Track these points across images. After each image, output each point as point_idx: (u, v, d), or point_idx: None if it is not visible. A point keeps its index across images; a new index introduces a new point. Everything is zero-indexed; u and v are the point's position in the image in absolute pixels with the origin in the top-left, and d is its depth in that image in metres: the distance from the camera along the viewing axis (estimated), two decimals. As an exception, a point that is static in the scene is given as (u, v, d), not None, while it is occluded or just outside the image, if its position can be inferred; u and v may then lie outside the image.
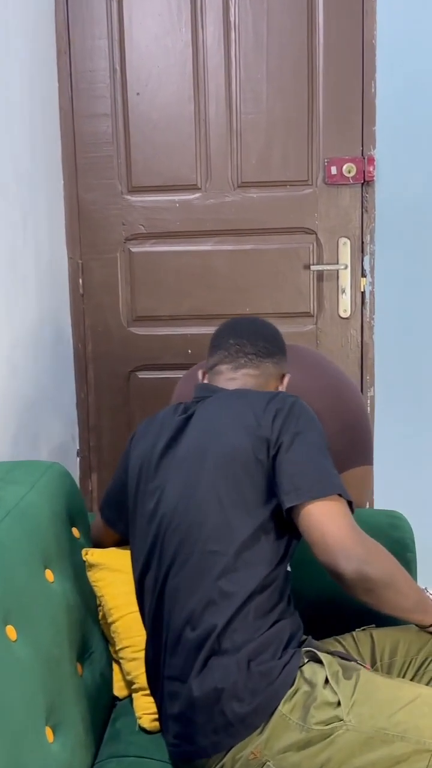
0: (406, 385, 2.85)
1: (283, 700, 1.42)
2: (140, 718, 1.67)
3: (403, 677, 1.65)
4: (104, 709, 1.74)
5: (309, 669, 1.47)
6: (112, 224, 2.86)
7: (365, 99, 2.73)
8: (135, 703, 1.70)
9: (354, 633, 1.72)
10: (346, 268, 2.79)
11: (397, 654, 1.67)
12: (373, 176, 2.73)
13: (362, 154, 2.74)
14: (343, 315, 2.83)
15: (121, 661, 1.75)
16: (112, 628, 1.75)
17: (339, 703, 1.41)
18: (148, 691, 1.66)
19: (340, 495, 1.50)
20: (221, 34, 2.74)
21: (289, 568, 1.59)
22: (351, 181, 2.75)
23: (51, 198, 2.71)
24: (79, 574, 1.77)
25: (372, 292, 2.81)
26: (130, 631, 1.72)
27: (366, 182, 2.75)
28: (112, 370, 2.93)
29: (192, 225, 2.84)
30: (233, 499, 1.53)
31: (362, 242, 2.79)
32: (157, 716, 1.63)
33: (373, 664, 1.66)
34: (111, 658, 1.80)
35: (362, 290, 2.81)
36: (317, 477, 1.51)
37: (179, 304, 2.87)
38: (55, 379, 2.70)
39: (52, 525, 1.71)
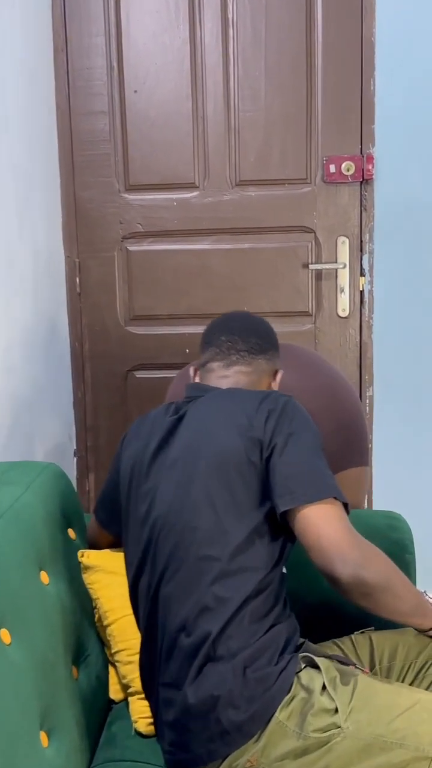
0: (405, 384, 2.83)
1: (279, 707, 1.40)
2: (136, 722, 1.65)
3: (403, 681, 1.63)
4: (100, 713, 1.72)
5: (306, 675, 1.45)
6: (110, 222, 2.84)
7: (364, 97, 2.71)
8: (131, 707, 1.68)
9: (352, 636, 1.70)
10: (344, 267, 2.78)
11: (397, 657, 1.65)
12: (372, 174, 2.72)
13: (361, 152, 2.72)
14: (341, 314, 2.81)
15: (116, 664, 1.73)
16: (108, 631, 1.73)
17: (336, 710, 1.39)
18: (143, 695, 1.64)
19: (335, 497, 1.48)
20: (219, 31, 2.72)
21: (284, 570, 1.57)
22: (350, 180, 2.73)
23: (48, 196, 2.70)
24: (74, 576, 1.75)
25: (371, 292, 2.79)
26: (125, 634, 1.70)
27: (365, 180, 2.73)
28: (109, 370, 2.92)
29: (190, 223, 2.82)
30: (226, 503, 1.51)
31: (361, 241, 2.77)
32: (153, 720, 1.61)
33: (372, 667, 1.64)
34: (107, 660, 1.78)
35: (361, 289, 2.80)
36: (312, 480, 1.48)
37: (177, 303, 2.85)
38: (51, 378, 2.69)
39: (48, 526, 1.69)
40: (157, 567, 1.55)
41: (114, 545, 1.81)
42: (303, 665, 1.47)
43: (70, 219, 2.83)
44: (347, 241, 2.77)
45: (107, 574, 1.74)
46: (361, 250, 2.78)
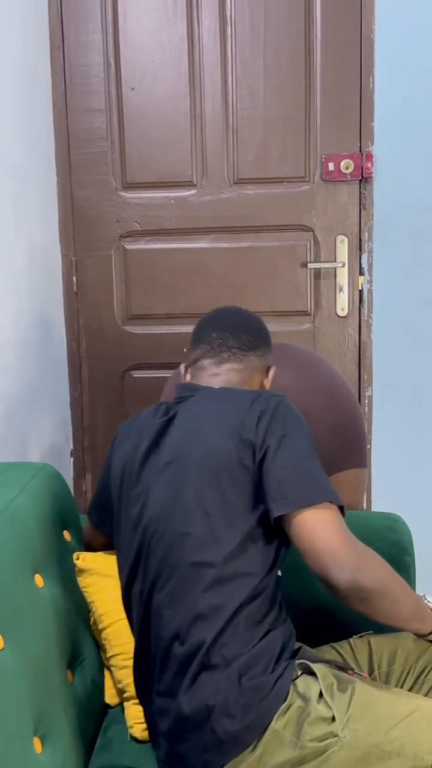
0: (404, 384, 2.81)
1: (276, 716, 1.38)
2: (132, 727, 1.63)
3: (402, 686, 1.61)
4: (95, 717, 1.70)
5: (302, 682, 1.42)
6: (107, 221, 2.82)
7: (363, 94, 2.69)
8: (126, 712, 1.66)
9: (351, 640, 1.68)
10: (343, 266, 2.76)
11: (396, 662, 1.63)
12: (372, 173, 2.70)
13: (360, 151, 2.70)
14: (340, 313, 2.79)
15: (112, 668, 1.71)
16: (103, 635, 1.71)
17: (333, 719, 1.37)
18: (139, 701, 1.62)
19: (331, 501, 1.45)
20: (217, 29, 2.71)
21: (279, 573, 1.54)
22: (349, 178, 2.71)
23: (44, 194, 2.68)
24: (70, 579, 1.73)
25: (370, 291, 2.78)
26: (120, 638, 1.68)
27: (364, 179, 2.71)
28: (106, 369, 2.90)
29: (188, 222, 2.80)
30: (218, 508, 1.48)
31: (360, 240, 2.76)
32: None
33: (371, 672, 1.62)
34: (102, 664, 1.76)
35: (360, 288, 2.78)
36: (306, 484, 1.45)
37: (174, 302, 2.83)
38: (48, 378, 2.67)
39: (43, 528, 1.67)
40: (150, 573, 1.53)
41: (108, 547, 1.79)
42: (299, 672, 1.44)
43: (67, 217, 2.81)
44: (346, 239, 2.75)
45: (102, 578, 1.72)
46: (360, 249, 2.76)
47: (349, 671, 1.49)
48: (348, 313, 2.79)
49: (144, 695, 1.57)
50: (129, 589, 1.59)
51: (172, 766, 1.46)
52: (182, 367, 1.77)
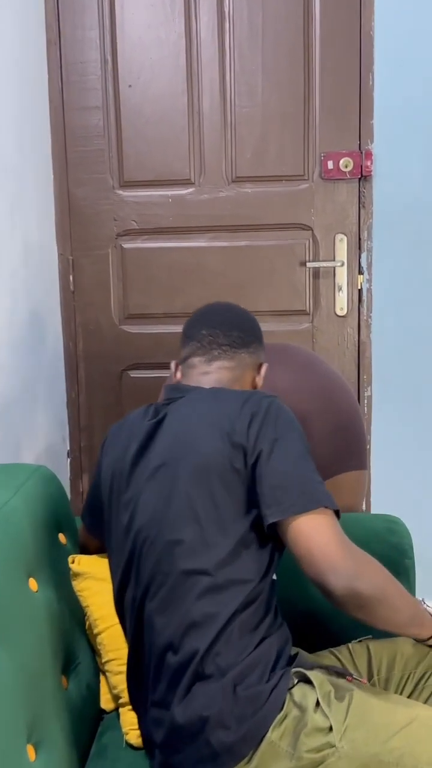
0: (404, 384, 2.79)
1: (272, 727, 1.35)
2: (127, 733, 1.61)
3: (401, 692, 1.59)
4: (90, 723, 1.68)
5: (299, 691, 1.39)
6: (104, 220, 2.80)
7: (363, 92, 2.67)
8: (122, 718, 1.64)
9: (350, 645, 1.65)
10: (342, 265, 2.73)
11: (395, 668, 1.60)
12: (371, 171, 2.68)
13: (360, 149, 2.68)
14: (339, 313, 2.77)
15: (107, 673, 1.69)
16: (98, 639, 1.69)
17: (331, 729, 1.34)
18: (134, 707, 1.60)
19: (326, 506, 1.42)
20: (215, 25, 2.68)
21: (275, 577, 1.51)
22: (348, 176, 2.69)
23: (40, 193, 2.65)
24: (65, 582, 1.71)
25: (369, 290, 2.75)
26: (116, 643, 1.65)
27: (363, 177, 2.69)
28: (103, 369, 2.88)
29: (185, 221, 2.78)
30: (210, 514, 1.44)
31: (359, 239, 2.73)
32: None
33: (370, 677, 1.60)
34: (98, 669, 1.74)
35: (359, 288, 2.76)
36: (300, 489, 1.42)
37: (172, 301, 2.81)
38: (45, 378, 2.65)
39: (37, 531, 1.65)
40: (142, 581, 1.50)
41: (104, 550, 1.75)
42: (296, 680, 1.41)
43: (64, 216, 2.79)
44: (345, 238, 2.73)
45: (97, 581, 1.69)
46: (359, 248, 2.74)
47: (348, 677, 1.46)
48: (347, 313, 2.77)
49: (138, 705, 1.54)
50: (121, 595, 1.57)
51: None
52: (173, 364, 1.74)
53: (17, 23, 2.42)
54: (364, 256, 2.74)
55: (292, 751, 1.34)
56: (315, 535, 1.38)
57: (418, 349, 2.79)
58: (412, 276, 2.75)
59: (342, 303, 2.76)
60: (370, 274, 2.74)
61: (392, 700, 1.45)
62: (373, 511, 2.70)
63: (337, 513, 1.44)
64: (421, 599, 1.56)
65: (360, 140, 2.68)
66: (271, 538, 1.45)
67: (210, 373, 1.64)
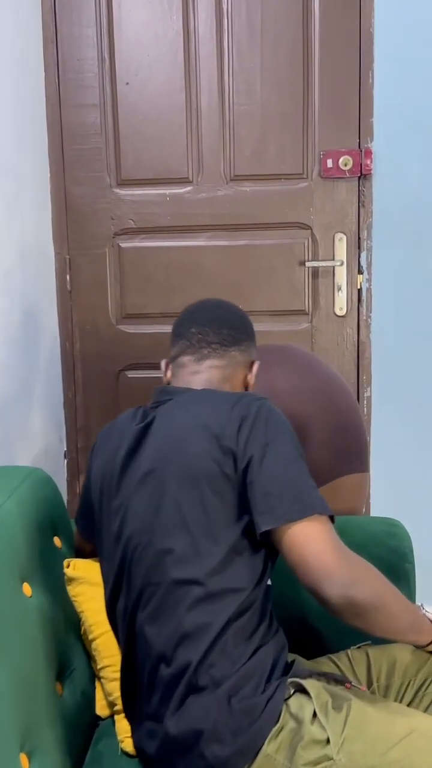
0: (404, 385, 2.77)
1: (267, 739, 1.32)
2: (122, 741, 1.58)
3: (401, 699, 1.56)
4: (85, 730, 1.65)
5: (295, 702, 1.36)
6: (101, 219, 2.77)
7: (362, 90, 2.65)
8: (117, 726, 1.61)
9: (349, 651, 1.63)
10: (342, 264, 2.71)
11: (395, 674, 1.58)
12: (371, 169, 2.65)
13: (359, 147, 2.66)
14: (339, 313, 2.75)
15: (102, 680, 1.66)
16: (93, 645, 1.66)
17: (328, 741, 1.31)
18: (130, 715, 1.57)
19: (320, 512, 1.39)
20: (213, 22, 2.66)
21: (269, 582, 1.48)
22: (347, 175, 2.67)
23: (37, 191, 2.63)
24: (60, 586, 1.68)
25: (369, 290, 2.73)
26: (111, 650, 1.62)
27: (363, 176, 2.67)
28: (100, 369, 2.85)
29: (183, 220, 2.75)
30: (200, 521, 1.41)
31: (359, 238, 2.71)
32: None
33: (369, 684, 1.57)
34: (93, 674, 1.71)
35: (359, 287, 2.73)
36: (293, 496, 1.38)
37: (170, 301, 2.78)
38: (41, 378, 2.62)
39: (31, 535, 1.62)
40: (133, 590, 1.47)
41: (96, 554, 1.74)
42: (292, 691, 1.38)
43: (60, 215, 2.76)
44: (345, 237, 2.71)
45: (92, 586, 1.66)
46: (359, 247, 2.71)
47: (347, 684, 1.44)
48: (346, 313, 2.74)
49: (132, 717, 1.52)
50: (113, 604, 1.54)
51: None
52: (163, 363, 1.70)
53: (14, 20, 2.40)
54: (363, 255, 2.71)
55: (289, 765, 1.31)
56: (309, 542, 1.36)
57: (419, 350, 2.76)
58: (412, 275, 2.73)
59: (341, 303, 2.74)
60: (369, 273, 2.72)
61: (391, 710, 1.42)
62: (373, 513, 2.68)
63: (331, 518, 1.41)
64: (420, 605, 1.54)
65: (359, 138, 2.66)
66: (264, 544, 1.43)
67: (200, 372, 1.61)
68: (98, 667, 1.66)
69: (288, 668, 1.43)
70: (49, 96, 2.71)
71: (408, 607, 1.45)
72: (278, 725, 1.33)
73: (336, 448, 2.04)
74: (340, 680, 1.44)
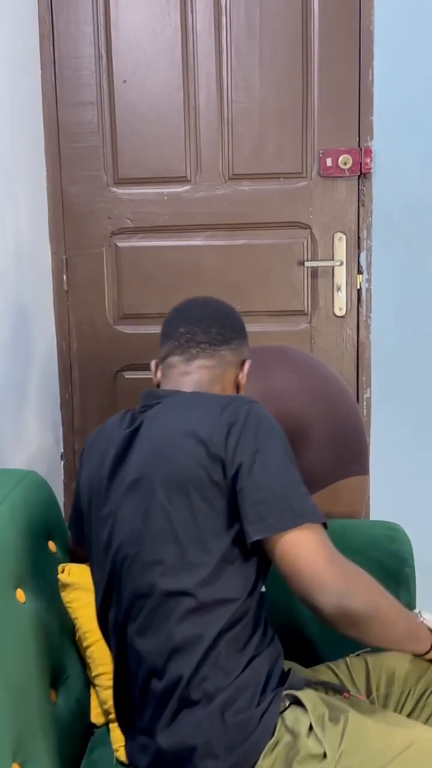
0: (404, 386, 2.74)
1: (263, 754, 1.29)
2: (117, 750, 1.55)
3: (401, 710, 1.53)
4: (80, 738, 1.63)
5: (291, 715, 1.33)
6: (98, 218, 2.74)
7: (362, 88, 2.62)
8: (112, 734, 1.59)
9: (348, 659, 1.60)
10: (341, 264, 2.68)
11: (395, 684, 1.54)
12: (371, 168, 2.63)
13: (359, 145, 2.63)
14: (338, 313, 2.72)
15: (97, 688, 1.64)
16: (87, 652, 1.64)
17: (325, 755, 1.27)
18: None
19: (312, 520, 1.35)
20: (212, 19, 2.63)
21: (263, 589, 1.44)
22: (347, 174, 2.64)
23: (33, 190, 2.61)
24: (55, 592, 1.66)
25: (369, 290, 2.71)
26: (106, 657, 1.60)
27: (363, 175, 2.64)
28: (98, 370, 2.82)
29: (181, 219, 2.73)
30: (189, 531, 1.37)
31: (359, 237, 2.68)
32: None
33: (369, 694, 1.54)
34: (88, 681, 1.69)
35: (358, 287, 2.71)
36: (284, 504, 1.35)
37: (168, 301, 2.69)
38: (37, 379, 2.60)
39: (26, 540, 1.60)
40: (123, 602, 1.44)
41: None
42: (287, 703, 1.35)
43: (57, 214, 2.74)
44: (344, 237, 2.68)
45: (87, 592, 1.63)
46: (358, 247, 2.69)
47: (345, 693, 1.41)
48: (346, 313, 2.72)
49: (125, 729, 1.49)
50: (104, 613, 1.51)
51: None
52: (153, 364, 1.67)
53: (9, 17, 2.37)
54: (363, 255, 2.69)
55: None
56: (301, 552, 1.32)
57: (419, 350, 2.74)
58: (413, 275, 2.71)
59: (341, 303, 2.71)
60: (369, 273, 2.70)
61: (390, 721, 1.38)
62: (372, 516, 2.65)
63: (325, 524, 1.38)
64: (417, 612, 1.51)
65: (359, 137, 2.63)
66: (256, 553, 1.39)
67: (189, 373, 1.57)
68: (93, 674, 1.64)
69: (284, 678, 1.40)
70: (45, 94, 2.68)
71: (404, 615, 1.42)
72: (273, 739, 1.30)
73: (336, 449, 2.02)
74: (338, 690, 1.41)
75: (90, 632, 1.63)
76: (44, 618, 1.56)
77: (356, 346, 2.74)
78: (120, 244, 2.76)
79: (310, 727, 1.30)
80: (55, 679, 1.59)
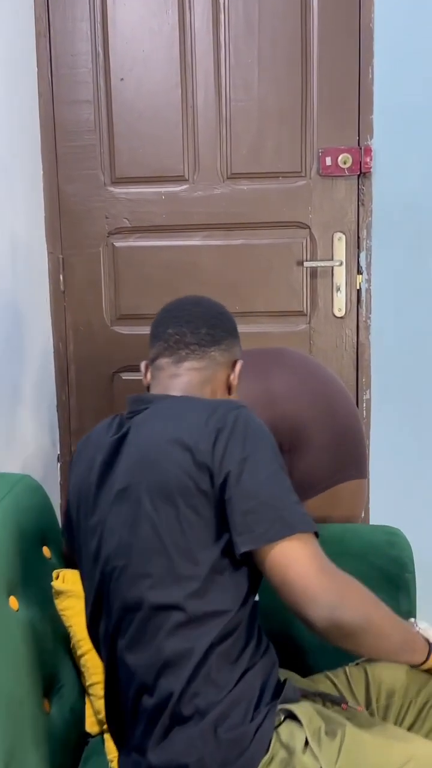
0: (404, 387, 2.72)
1: None
2: (112, 761, 1.53)
3: (402, 722, 1.49)
4: (74, 748, 1.61)
5: (286, 730, 1.29)
6: (95, 217, 2.72)
7: (362, 86, 2.59)
8: (107, 744, 1.56)
9: (347, 668, 1.56)
10: (341, 264, 2.66)
11: (395, 695, 1.51)
12: (370, 167, 2.60)
13: (358, 144, 2.60)
14: (337, 314, 2.70)
15: (91, 697, 1.61)
16: (82, 661, 1.61)
17: None
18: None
19: (302, 530, 1.31)
20: (210, 17, 2.60)
21: (257, 598, 1.41)
22: (346, 173, 2.61)
23: (29, 189, 2.58)
24: (49, 599, 1.64)
25: (368, 290, 2.68)
26: (100, 666, 1.55)
27: (362, 174, 2.61)
28: (94, 372, 2.80)
29: (179, 218, 2.70)
30: (177, 542, 1.34)
31: (358, 237, 2.65)
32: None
33: (368, 705, 1.51)
34: (83, 690, 1.66)
35: (358, 288, 2.68)
36: (273, 514, 1.31)
37: (165, 301, 2.68)
38: (34, 381, 2.57)
39: (19, 546, 1.57)
40: (112, 615, 1.41)
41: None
42: (282, 717, 1.31)
43: (53, 213, 2.71)
44: (344, 237, 2.65)
45: (81, 600, 1.59)
46: (358, 247, 2.66)
47: (344, 704, 1.38)
48: (345, 314, 2.69)
49: (118, 745, 1.46)
50: (95, 625, 1.47)
51: None
52: (143, 365, 1.63)
53: (5, 14, 2.35)
54: (363, 255, 2.66)
55: None
56: (292, 564, 1.29)
57: (419, 351, 2.71)
58: (413, 276, 2.68)
59: (340, 303, 2.69)
60: (369, 273, 2.67)
61: (388, 735, 1.35)
62: (372, 521, 2.62)
63: (316, 533, 1.34)
64: (413, 622, 1.48)
65: (359, 136, 2.61)
66: (247, 563, 1.35)
67: (179, 375, 1.54)
68: (87, 683, 1.62)
69: (279, 690, 1.36)
70: (41, 92, 2.66)
71: (399, 626, 1.38)
72: (268, 756, 1.26)
73: (335, 452, 1.99)
74: (335, 701, 1.38)
75: (84, 640, 1.60)
76: (38, 626, 1.54)
77: (356, 346, 2.72)
78: (117, 244, 2.74)
79: (306, 742, 1.27)
80: (49, 688, 1.56)
